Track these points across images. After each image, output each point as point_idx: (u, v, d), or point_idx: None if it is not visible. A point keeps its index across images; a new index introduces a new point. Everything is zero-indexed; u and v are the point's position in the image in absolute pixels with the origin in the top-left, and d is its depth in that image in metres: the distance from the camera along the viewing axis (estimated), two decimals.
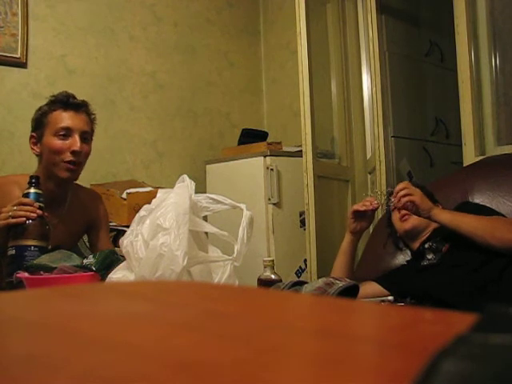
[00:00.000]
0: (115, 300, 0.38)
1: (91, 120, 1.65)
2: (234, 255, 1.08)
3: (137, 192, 2.55)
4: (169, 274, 0.98)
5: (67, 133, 1.55)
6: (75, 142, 1.55)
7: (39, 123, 1.58)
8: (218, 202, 1.16)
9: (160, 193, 1.17)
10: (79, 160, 1.58)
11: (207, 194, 1.18)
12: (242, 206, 1.14)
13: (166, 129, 3.26)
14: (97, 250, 1.71)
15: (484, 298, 1.39)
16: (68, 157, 1.55)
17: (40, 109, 1.60)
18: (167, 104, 3.27)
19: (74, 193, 1.70)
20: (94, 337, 0.27)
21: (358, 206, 1.71)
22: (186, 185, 1.13)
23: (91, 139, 1.65)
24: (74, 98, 1.61)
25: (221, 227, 1.12)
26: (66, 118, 1.56)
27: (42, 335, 0.27)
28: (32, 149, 1.61)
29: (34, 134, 1.60)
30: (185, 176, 1.18)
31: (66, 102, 1.57)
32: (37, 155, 1.61)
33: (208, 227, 1.12)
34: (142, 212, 1.12)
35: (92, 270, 1.18)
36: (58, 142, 1.54)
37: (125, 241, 1.09)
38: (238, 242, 1.08)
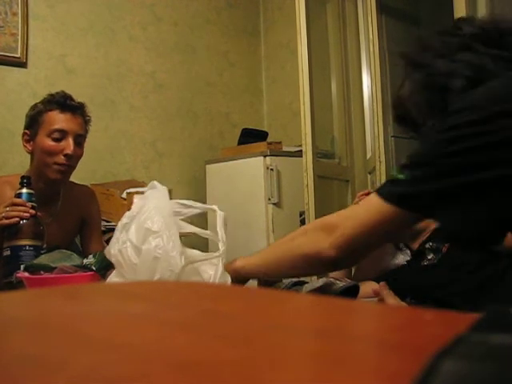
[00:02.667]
0: (115, 300, 0.38)
1: (86, 122, 1.62)
2: (220, 252, 1.08)
3: (137, 192, 2.55)
4: (168, 276, 0.98)
5: (62, 135, 1.52)
6: (69, 145, 1.52)
7: (33, 121, 1.55)
8: (189, 206, 1.14)
9: (136, 199, 1.15)
10: (71, 163, 1.56)
11: (176, 200, 1.16)
12: (214, 207, 1.14)
13: (165, 129, 3.26)
14: (86, 247, 1.70)
15: (484, 298, 1.39)
16: (60, 159, 1.53)
17: (35, 106, 1.57)
18: (167, 104, 3.27)
19: (67, 190, 1.67)
20: (93, 337, 0.27)
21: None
22: (159, 190, 1.12)
23: (84, 141, 1.63)
24: (72, 99, 1.58)
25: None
26: (61, 120, 1.53)
27: (41, 335, 0.27)
28: (24, 146, 1.58)
29: (27, 131, 1.57)
30: (155, 182, 1.16)
31: (63, 103, 1.54)
32: (29, 153, 1.59)
33: (190, 228, 1.11)
34: (124, 220, 1.10)
35: (92, 270, 1.18)
36: (51, 144, 1.52)
37: (111, 250, 1.06)
38: (220, 241, 1.08)
